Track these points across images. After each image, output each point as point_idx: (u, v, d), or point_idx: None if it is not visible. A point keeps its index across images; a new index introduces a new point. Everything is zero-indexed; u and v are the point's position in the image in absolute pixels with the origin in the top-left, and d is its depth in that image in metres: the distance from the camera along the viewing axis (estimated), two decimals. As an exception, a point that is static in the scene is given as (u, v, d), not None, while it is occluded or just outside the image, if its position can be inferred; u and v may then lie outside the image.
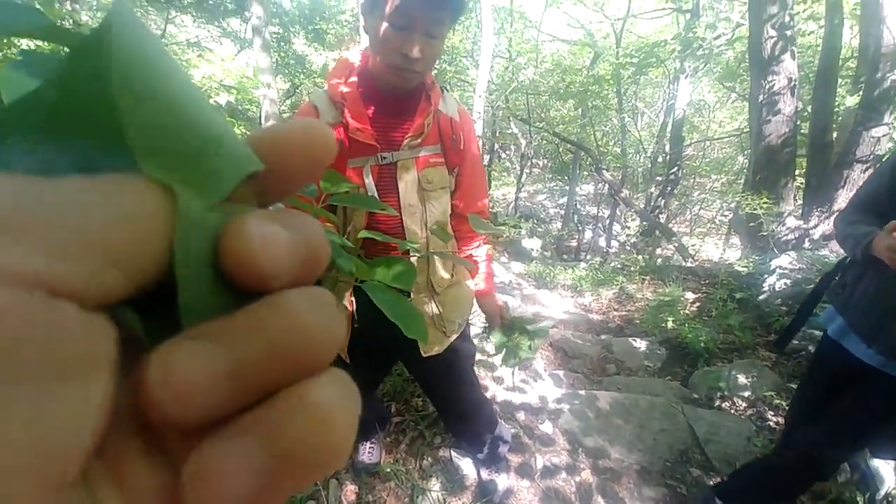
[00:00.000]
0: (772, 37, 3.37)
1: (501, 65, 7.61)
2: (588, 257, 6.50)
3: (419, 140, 1.00)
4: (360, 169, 0.98)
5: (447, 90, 1.09)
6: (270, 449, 0.09)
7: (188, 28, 9.32)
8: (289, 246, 0.11)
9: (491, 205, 8.48)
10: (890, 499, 1.65)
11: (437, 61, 1.05)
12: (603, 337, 3.00)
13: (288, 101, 7.95)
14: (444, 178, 1.06)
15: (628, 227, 7.49)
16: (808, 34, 4.73)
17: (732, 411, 2.12)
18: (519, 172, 8.30)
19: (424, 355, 1.10)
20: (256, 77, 3.76)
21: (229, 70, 3.49)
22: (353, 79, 0.99)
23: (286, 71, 7.70)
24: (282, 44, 7.67)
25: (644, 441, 1.83)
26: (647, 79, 8.15)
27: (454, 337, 1.16)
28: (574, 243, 7.96)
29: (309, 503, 1.45)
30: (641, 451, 1.78)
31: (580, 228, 8.09)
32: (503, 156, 10.88)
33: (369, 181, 0.97)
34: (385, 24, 0.87)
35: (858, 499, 1.69)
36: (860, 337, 1.19)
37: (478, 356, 1.79)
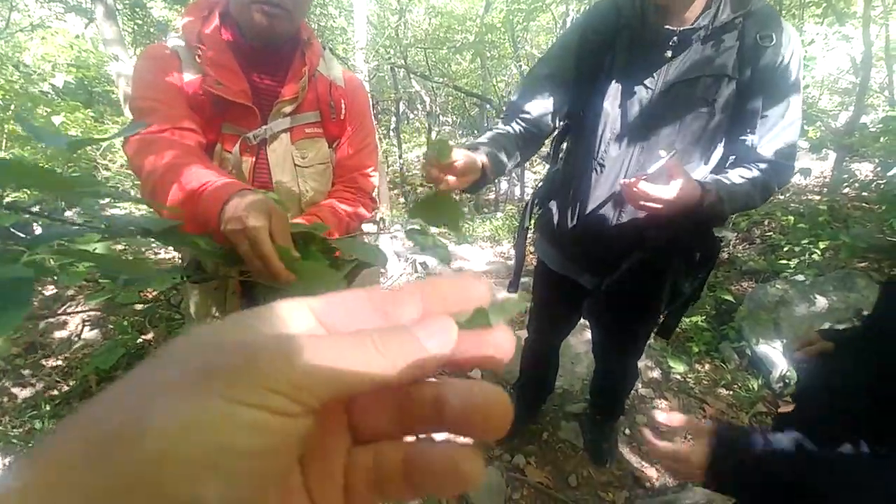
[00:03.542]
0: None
1: (392, 20, 7.26)
2: (506, 208, 6.72)
3: (293, 107, 0.85)
4: (235, 139, 0.83)
5: (332, 50, 0.96)
6: None
7: (31, 10, 7.62)
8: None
9: (406, 168, 8.35)
10: (786, 380, 1.94)
11: (309, 8, 0.90)
12: (523, 280, 3.15)
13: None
14: (324, 153, 0.93)
15: (538, 173, 7.82)
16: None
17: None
18: (428, 132, 8.19)
19: None
20: (97, 50, 3.19)
21: (62, 46, 2.88)
22: (215, 22, 0.81)
23: (147, 41, 6.66)
24: (136, 10, 6.57)
25: (564, 367, 1.99)
26: (540, 25, 8.27)
27: None
28: (492, 196, 8.16)
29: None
30: (563, 375, 1.93)
31: (496, 180, 8.27)
32: (411, 116, 10.63)
33: (236, 156, 0.83)
34: None
35: (753, 383, 1.99)
36: (583, 270, 1.14)
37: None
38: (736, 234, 3.16)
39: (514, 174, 8.67)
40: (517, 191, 7.99)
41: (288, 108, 0.85)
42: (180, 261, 1.11)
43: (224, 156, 0.84)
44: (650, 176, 0.83)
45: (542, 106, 0.99)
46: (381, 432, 0.18)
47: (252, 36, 0.82)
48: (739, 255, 2.99)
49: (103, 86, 5.69)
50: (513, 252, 3.96)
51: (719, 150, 0.94)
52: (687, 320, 2.30)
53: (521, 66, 7.84)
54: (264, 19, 0.77)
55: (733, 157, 0.94)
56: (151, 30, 6.86)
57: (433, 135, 8.14)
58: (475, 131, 9.28)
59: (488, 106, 7.40)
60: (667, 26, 0.85)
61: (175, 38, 0.81)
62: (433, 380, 0.18)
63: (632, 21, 0.89)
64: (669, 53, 0.87)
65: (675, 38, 0.85)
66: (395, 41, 6.59)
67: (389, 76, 7.62)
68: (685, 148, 0.91)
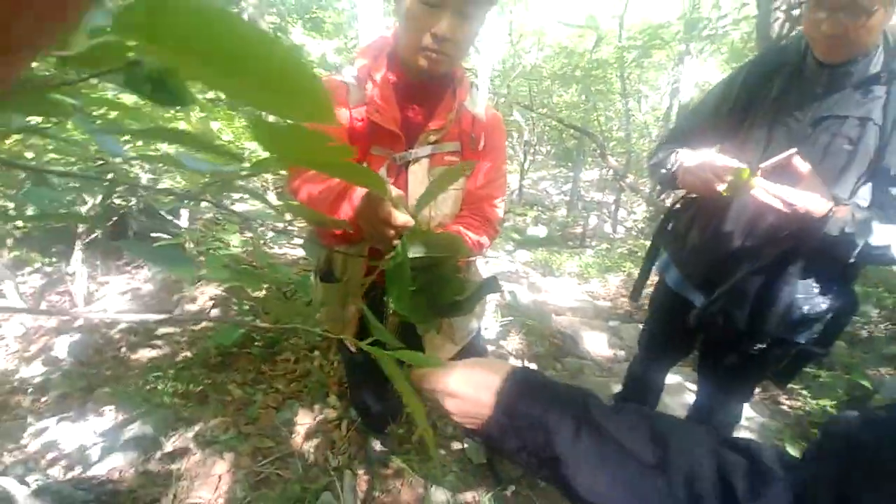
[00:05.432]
0: (778, 18, 3.31)
1: (504, 51, 7.50)
2: (593, 244, 6.46)
3: (438, 137, 0.96)
4: (381, 160, 0.95)
5: (477, 87, 1.04)
6: None
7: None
8: None
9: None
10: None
11: (471, 48, 0.98)
12: (611, 324, 3.00)
13: (288, 93, 7.87)
14: (459, 181, 1.01)
15: (634, 213, 7.44)
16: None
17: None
18: (522, 160, 8.23)
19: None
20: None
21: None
22: (383, 65, 0.94)
23: (285, 62, 7.62)
24: (279, 34, 7.58)
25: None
26: (651, 61, 8.00)
27: (463, 344, 1.13)
28: (579, 230, 7.91)
29: (325, 493, 1.48)
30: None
31: (585, 215, 8.03)
32: (506, 144, 10.77)
33: (383, 175, 0.94)
34: (415, 1, 0.81)
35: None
36: (696, 289, 1.15)
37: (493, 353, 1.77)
38: (879, 310, 2.72)
39: (605, 210, 8.34)
40: (607, 227, 7.65)
41: (433, 137, 0.96)
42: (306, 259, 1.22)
43: None
44: (765, 168, 0.87)
45: (700, 134, 1.13)
46: None
47: (414, 75, 0.93)
48: (881, 334, 2.56)
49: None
50: (601, 292, 3.79)
51: (864, 193, 0.94)
52: (814, 403, 2.02)
53: (626, 102, 7.61)
54: (429, 64, 0.87)
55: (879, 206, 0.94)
56: (290, 52, 7.84)
57: (527, 164, 8.18)
58: (569, 163, 9.14)
59: (586, 139, 7.25)
60: (823, 64, 0.93)
61: (348, 72, 0.96)
62: None
63: (794, 58, 0.99)
64: (821, 90, 0.94)
65: (829, 77, 0.93)
66: (504, 73, 6.80)
67: (493, 104, 7.84)
68: (826, 181, 0.92)
